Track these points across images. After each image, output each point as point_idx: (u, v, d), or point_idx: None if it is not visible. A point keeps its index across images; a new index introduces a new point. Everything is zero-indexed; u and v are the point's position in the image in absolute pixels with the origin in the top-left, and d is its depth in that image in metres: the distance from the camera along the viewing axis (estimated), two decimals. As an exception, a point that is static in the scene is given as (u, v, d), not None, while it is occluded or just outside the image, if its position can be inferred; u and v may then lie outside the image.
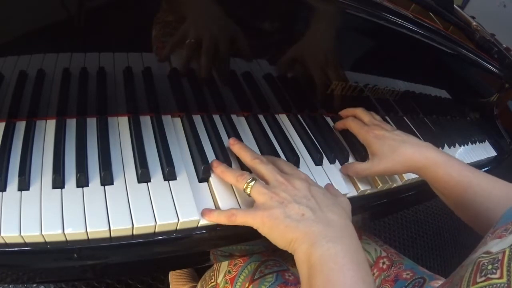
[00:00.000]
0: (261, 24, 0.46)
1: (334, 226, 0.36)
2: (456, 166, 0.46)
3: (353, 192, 0.51)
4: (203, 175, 0.42)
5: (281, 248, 0.37)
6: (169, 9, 0.39)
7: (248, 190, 0.38)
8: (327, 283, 0.32)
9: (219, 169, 0.41)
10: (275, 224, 0.35)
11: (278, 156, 0.48)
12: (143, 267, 0.41)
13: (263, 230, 0.36)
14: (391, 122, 0.69)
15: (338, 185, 0.49)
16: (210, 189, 0.41)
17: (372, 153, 0.52)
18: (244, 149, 0.44)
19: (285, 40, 0.49)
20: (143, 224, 0.35)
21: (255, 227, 0.37)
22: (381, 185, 0.54)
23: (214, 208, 0.39)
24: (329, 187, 0.45)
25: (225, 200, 0.40)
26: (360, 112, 0.58)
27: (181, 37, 0.41)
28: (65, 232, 0.32)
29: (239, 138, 0.48)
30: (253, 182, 0.38)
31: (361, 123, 0.55)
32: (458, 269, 0.33)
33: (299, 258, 0.35)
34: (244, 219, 0.37)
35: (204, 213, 0.38)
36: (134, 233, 0.35)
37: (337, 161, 0.53)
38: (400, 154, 0.48)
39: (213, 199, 0.41)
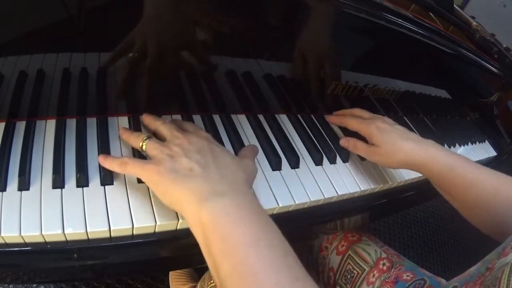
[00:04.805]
0: (259, 24, 0.46)
1: (224, 182, 0.33)
2: (459, 162, 0.45)
3: (355, 189, 0.51)
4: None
5: (167, 205, 0.35)
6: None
7: (144, 147, 0.37)
8: (224, 240, 0.29)
9: (125, 134, 0.40)
10: (161, 179, 0.33)
11: (279, 157, 0.47)
12: (143, 267, 0.40)
13: (150, 185, 0.35)
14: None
15: (338, 185, 0.49)
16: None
17: (374, 145, 0.50)
18: (144, 122, 0.43)
19: (284, 40, 0.49)
20: (143, 224, 0.35)
21: (143, 180, 0.35)
22: (381, 185, 0.54)
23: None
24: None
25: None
26: (357, 110, 0.57)
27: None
28: (65, 232, 0.32)
29: (239, 138, 0.48)
30: (148, 140, 0.37)
31: (360, 119, 0.54)
32: (479, 270, 0.32)
33: (191, 220, 0.32)
34: (133, 169, 0.35)
35: (100, 159, 0.37)
36: (134, 233, 0.35)
37: (337, 161, 0.53)
38: (400, 148, 0.47)
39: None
